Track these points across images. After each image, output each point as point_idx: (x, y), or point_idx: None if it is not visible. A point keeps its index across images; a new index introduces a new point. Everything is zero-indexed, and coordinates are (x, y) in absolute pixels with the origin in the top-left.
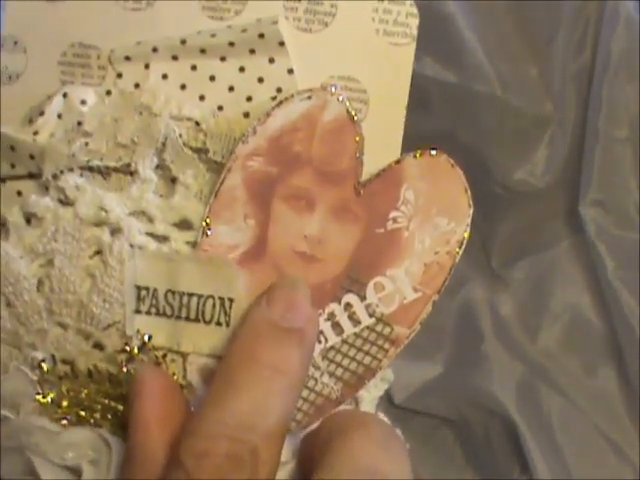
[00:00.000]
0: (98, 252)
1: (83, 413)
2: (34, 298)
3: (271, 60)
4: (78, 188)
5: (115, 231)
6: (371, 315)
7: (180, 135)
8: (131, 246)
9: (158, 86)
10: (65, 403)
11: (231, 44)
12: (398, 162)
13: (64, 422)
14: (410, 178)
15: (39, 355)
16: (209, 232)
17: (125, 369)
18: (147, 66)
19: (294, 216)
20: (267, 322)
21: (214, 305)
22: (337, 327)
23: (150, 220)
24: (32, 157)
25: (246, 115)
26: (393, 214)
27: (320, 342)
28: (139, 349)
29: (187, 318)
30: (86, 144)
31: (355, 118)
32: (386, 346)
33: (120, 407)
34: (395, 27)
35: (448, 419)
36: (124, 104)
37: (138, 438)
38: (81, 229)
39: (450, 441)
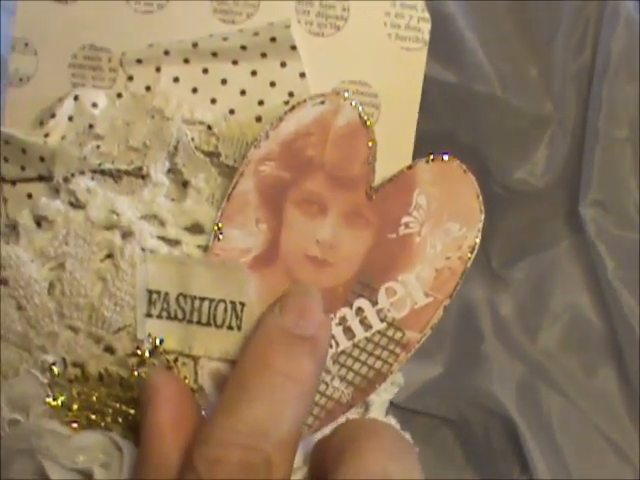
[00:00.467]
0: (109, 255)
1: (94, 416)
2: (45, 301)
3: (283, 64)
4: (89, 191)
5: (126, 234)
6: (382, 320)
7: (192, 139)
8: (142, 250)
9: (169, 89)
10: (75, 406)
11: (243, 48)
12: (410, 167)
13: (74, 425)
14: (422, 183)
15: (50, 358)
16: (221, 236)
17: (136, 373)
18: (158, 69)
19: (306, 221)
20: (280, 329)
21: (225, 309)
22: (348, 331)
23: (162, 224)
24: (42, 160)
25: (258, 119)
26: (405, 219)
27: (331, 346)
28: (150, 353)
29: (199, 322)
30: (97, 147)
31: (368, 123)
32: (397, 351)
33: (131, 411)
34: (407, 32)
35: (448, 419)
36: (136, 107)
37: (152, 443)
38: (92, 232)
39: (450, 441)
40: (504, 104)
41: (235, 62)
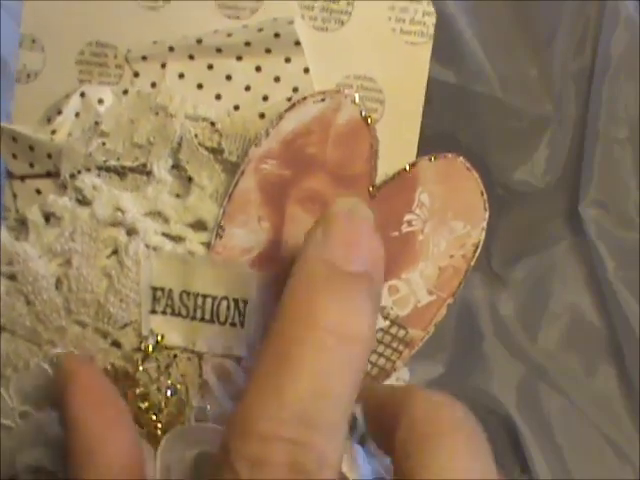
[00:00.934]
0: (115, 252)
1: None
2: (53, 297)
3: (287, 60)
4: (95, 188)
5: (131, 231)
6: (386, 317)
7: (195, 135)
8: (147, 247)
9: (174, 86)
10: None
11: (247, 44)
12: (413, 165)
13: None
14: (425, 181)
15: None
16: (223, 234)
17: (141, 368)
18: (164, 65)
19: (309, 219)
20: (327, 266)
21: (228, 306)
22: None
23: (165, 220)
24: (50, 156)
25: (262, 116)
26: (408, 217)
27: None
28: (153, 348)
29: (202, 319)
30: (103, 144)
31: (369, 120)
32: (400, 348)
33: (137, 405)
34: (412, 26)
35: None
36: (140, 104)
37: (79, 428)
38: (98, 229)
39: None
40: (504, 104)
41: (240, 58)
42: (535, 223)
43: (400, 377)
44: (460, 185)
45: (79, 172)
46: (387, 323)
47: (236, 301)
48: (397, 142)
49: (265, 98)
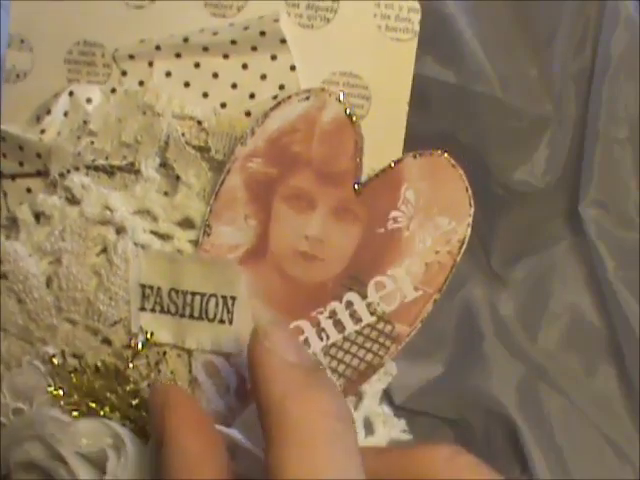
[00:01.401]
0: (104, 250)
1: (93, 405)
2: (43, 295)
3: (273, 57)
4: (84, 187)
5: (120, 230)
6: (372, 313)
7: (183, 134)
8: (135, 245)
9: (162, 84)
10: (76, 395)
11: (233, 42)
12: (398, 162)
13: (75, 413)
14: (410, 178)
15: (50, 350)
16: (210, 232)
17: (131, 365)
18: (151, 64)
19: (295, 216)
20: (287, 365)
21: (217, 303)
22: (339, 325)
23: (154, 219)
24: (39, 156)
25: (248, 114)
26: (393, 214)
27: (322, 339)
28: (143, 345)
29: (191, 316)
30: (91, 143)
31: (354, 118)
32: (387, 343)
33: (128, 402)
34: (397, 23)
35: (448, 419)
36: (128, 103)
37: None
38: (87, 228)
39: (450, 441)
40: (504, 104)
41: (226, 56)
42: (535, 223)
43: (388, 371)
44: (445, 181)
45: (68, 171)
46: (374, 319)
47: (224, 298)
48: (383, 138)
49: (252, 96)
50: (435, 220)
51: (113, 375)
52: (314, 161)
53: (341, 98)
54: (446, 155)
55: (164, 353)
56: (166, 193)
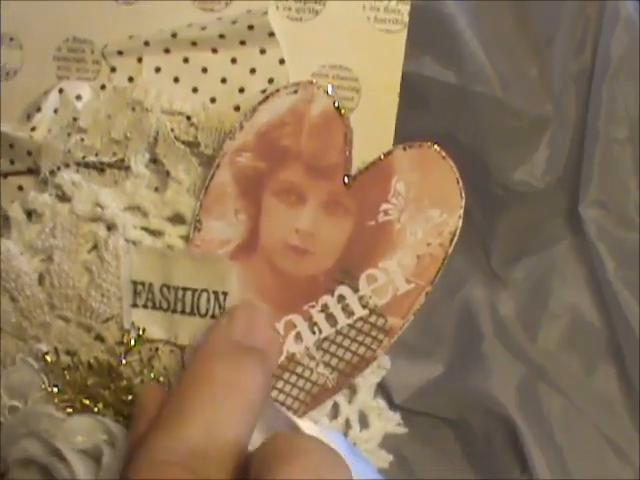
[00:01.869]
0: (95, 247)
1: (87, 401)
2: (36, 293)
3: (262, 51)
4: (74, 184)
5: (110, 226)
6: (364, 306)
7: (172, 129)
8: (126, 241)
9: (151, 80)
10: (70, 392)
11: (221, 36)
12: (388, 154)
13: (69, 410)
14: (401, 170)
15: (43, 347)
16: (200, 227)
17: (124, 361)
18: (140, 60)
19: (285, 210)
20: (227, 340)
21: (208, 299)
22: (331, 318)
23: (144, 215)
24: (30, 154)
25: (237, 108)
26: (384, 206)
27: (315, 333)
28: (135, 341)
29: (183, 312)
30: (81, 140)
31: (342, 111)
32: (380, 337)
33: (122, 398)
34: (386, 14)
35: (448, 419)
36: (117, 100)
37: None
38: (78, 225)
39: (450, 441)
40: (504, 104)
41: (215, 50)
42: (535, 223)
43: (382, 365)
44: (435, 173)
45: (59, 168)
46: (366, 312)
47: (216, 293)
48: (374, 130)
49: (241, 90)
50: (426, 212)
51: (106, 372)
52: (303, 155)
53: (329, 91)
54: (436, 147)
55: (157, 349)
56: (156, 189)
